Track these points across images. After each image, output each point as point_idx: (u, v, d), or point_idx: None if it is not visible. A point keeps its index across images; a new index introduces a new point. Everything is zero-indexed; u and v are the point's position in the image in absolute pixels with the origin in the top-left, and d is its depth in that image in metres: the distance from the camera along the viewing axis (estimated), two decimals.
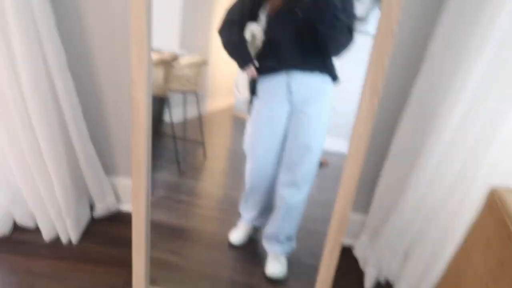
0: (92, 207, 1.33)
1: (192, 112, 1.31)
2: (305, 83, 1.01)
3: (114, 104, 1.24)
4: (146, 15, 0.70)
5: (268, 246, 1.20)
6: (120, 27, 1.10)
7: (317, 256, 0.90)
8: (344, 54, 0.97)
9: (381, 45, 0.68)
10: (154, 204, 1.34)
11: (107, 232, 1.28)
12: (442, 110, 0.90)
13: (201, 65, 1.23)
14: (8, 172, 1.12)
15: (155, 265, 1.00)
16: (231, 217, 1.29)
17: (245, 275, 1.15)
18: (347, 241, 1.33)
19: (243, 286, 1.11)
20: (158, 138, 1.30)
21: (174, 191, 1.39)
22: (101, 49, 1.15)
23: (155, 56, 1.09)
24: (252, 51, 1.01)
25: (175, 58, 1.16)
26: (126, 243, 0.91)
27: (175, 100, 1.27)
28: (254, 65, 1.02)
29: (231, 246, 1.25)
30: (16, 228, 1.23)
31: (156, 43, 1.11)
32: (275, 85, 1.02)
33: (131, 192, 0.84)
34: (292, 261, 1.19)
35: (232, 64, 1.04)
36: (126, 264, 0.95)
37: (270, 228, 1.20)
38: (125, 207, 1.40)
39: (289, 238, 1.18)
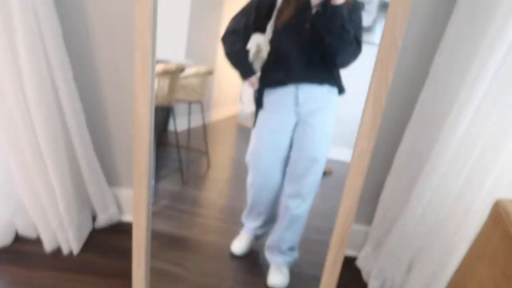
0: (94, 218, 1.33)
1: (196, 121, 1.31)
2: (313, 95, 1.01)
3: (117, 116, 1.25)
4: (151, 32, 0.70)
5: (271, 256, 1.19)
6: (121, 27, 1.10)
7: (319, 266, 0.89)
8: (351, 65, 0.97)
9: (385, 60, 0.67)
10: (157, 213, 1.33)
11: (108, 243, 1.26)
12: (446, 122, 0.91)
13: (207, 75, 1.24)
14: (10, 183, 1.12)
15: (156, 275, 0.99)
16: (234, 227, 1.29)
17: (247, 286, 1.14)
18: (350, 252, 1.32)
19: None
20: (162, 147, 1.31)
21: (177, 201, 1.39)
22: (102, 49, 1.14)
23: (160, 67, 1.10)
24: (259, 62, 1.02)
25: (181, 68, 1.17)
26: (128, 254, 0.91)
27: (180, 109, 1.28)
28: (254, 76, 1.03)
29: (233, 256, 1.24)
30: (18, 238, 1.22)
31: (163, 54, 1.12)
32: (283, 96, 1.02)
33: (132, 206, 0.84)
34: (294, 271, 1.18)
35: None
36: (127, 276, 0.94)
37: (272, 239, 1.19)
38: (127, 217, 1.39)
39: (291, 249, 1.18)
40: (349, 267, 1.28)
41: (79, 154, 1.15)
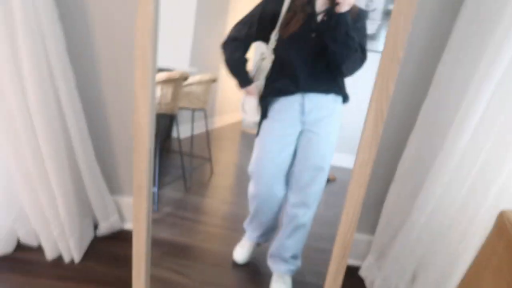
0: (95, 226, 1.32)
1: (200, 128, 1.31)
2: (319, 104, 1.01)
3: (120, 124, 1.25)
4: (152, 44, 0.70)
5: (273, 265, 1.19)
6: (121, 27, 1.10)
7: (322, 275, 0.88)
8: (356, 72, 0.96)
9: (386, 71, 0.67)
10: (159, 220, 1.33)
11: (110, 251, 1.26)
12: (450, 130, 0.91)
13: (211, 82, 1.24)
14: (12, 191, 1.11)
15: (157, 284, 0.98)
16: (237, 234, 1.28)
17: None
18: (353, 261, 1.31)
19: None
20: (165, 154, 1.31)
21: (179, 208, 1.38)
22: (102, 49, 1.13)
23: (164, 75, 1.11)
24: (263, 72, 1.02)
25: (184, 76, 1.17)
26: (129, 262, 0.90)
27: (183, 116, 1.28)
28: (251, 85, 1.02)
29: (235, 264, 1.23)
30: (19, 246, 1.21)
31: (168, 62, 1.13)
32: (288, 105, 1.02)
33: (132, 217, 0.84)
34: (297, 280, 1.17)
35: None
36: (128, 284, 0.93)
37: (275, 247, 1.18)
38: (129, 225, 1.39)
39: (294, 257, 1.17)
40: (352, 276, 1.27)
41: (81, 163, 1.14)
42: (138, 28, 0.69)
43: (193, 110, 1.29)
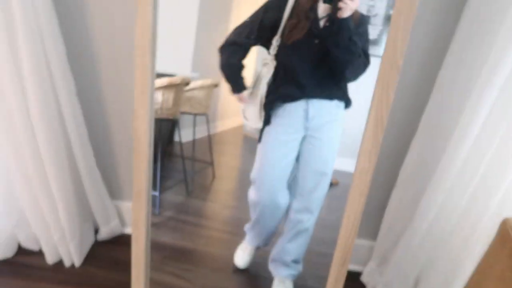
0: (96, 230, 1.32)
1: (201, 132, 1.31)
2: (323, 109, 1.01)
3: (120, 124, 1.24)
4: (151, 49, 0.70)
5: (275, 269, 1.18)
6: (121, 27, 1.09)
7: (324, 279, 0.88)
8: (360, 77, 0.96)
9: (386, 80, 0.66)
10: (161, 224, 1.32)
11: (110, 256, 1.25)
12: (452, 136, 0.91)
13: (212, 87, 1.24)
14: (13, 195, 1.11)
15: None
16: (238, 239, 1.28)
17: None
18: (354, 267, 1.31)
19: None
20: (167, 158, 1.31)
21: (181, 212, 1.38)
22: (102, 49, 1.13)
23: (165, 80, 1.11)
24: (264, 78, 1.01)
25: (186, 81, 1.17)
26: (129, 267, 0.90)
27: (185, 120, 1.28)
28: (244, 91, 1.02)
29: (236, 269, 1.23)
30: (20, 251, 1.21)
31: (170, 68, 1.12)
32: (292, 111, 1.01)
33: (131, 223, 0.83)
34: (299, 284, 1.17)
35: None
36: None
37: (277, 251, 1.18)
38: (130, 230, 1.38)
39: (296, 261, 1.16)
40: (354, 282, 1.27)
41: (82, 167, 1.14)
42: (138, 27, 0.69)
43: (195, 115, 1.29)
